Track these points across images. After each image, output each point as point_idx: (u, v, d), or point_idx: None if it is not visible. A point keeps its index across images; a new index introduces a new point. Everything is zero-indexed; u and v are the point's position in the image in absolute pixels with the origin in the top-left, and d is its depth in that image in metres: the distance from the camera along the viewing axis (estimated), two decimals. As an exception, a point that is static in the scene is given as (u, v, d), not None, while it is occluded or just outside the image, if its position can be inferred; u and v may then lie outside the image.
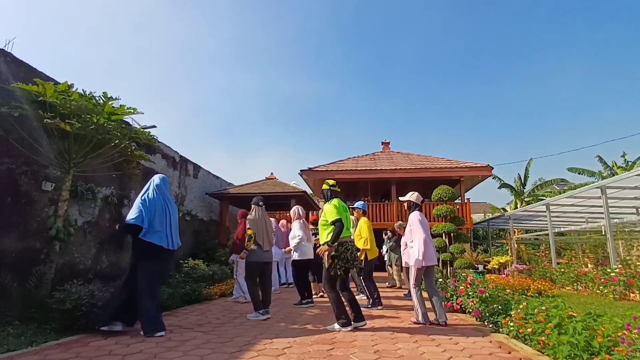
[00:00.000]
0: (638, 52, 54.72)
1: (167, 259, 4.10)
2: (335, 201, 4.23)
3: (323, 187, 4.51)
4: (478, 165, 14.56)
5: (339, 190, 4.49)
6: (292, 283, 6.55)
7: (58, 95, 4.88)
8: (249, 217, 5.02)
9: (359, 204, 6.42)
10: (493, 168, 14.59)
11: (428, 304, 4.59)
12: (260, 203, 5.15)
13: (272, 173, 15.22)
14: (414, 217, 4.62)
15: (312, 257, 6.11)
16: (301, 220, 6.22)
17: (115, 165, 7.03)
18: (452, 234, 10.79)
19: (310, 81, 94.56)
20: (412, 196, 4.80)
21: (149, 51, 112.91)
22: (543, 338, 3.08)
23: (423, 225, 4.53)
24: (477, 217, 22.76)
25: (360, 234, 5.94)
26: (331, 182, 4.49)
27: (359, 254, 5.46)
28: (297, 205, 6.46)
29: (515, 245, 13.89)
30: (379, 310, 5.46)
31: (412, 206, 4.75)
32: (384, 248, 9.63)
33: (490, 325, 4.23)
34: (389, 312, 5.37)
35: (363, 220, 6.10)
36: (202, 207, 12.12)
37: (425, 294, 4.65)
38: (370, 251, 5.91)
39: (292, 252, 6.16)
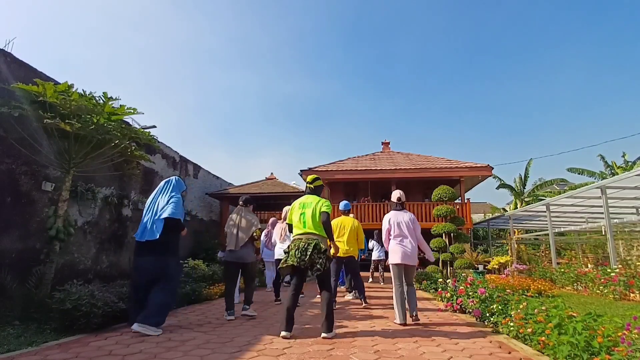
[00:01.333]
0: (639, 51, 54.74)
1: (141, 251, 4.03)
2: (294, 202, 4.21)
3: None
4: (478, 165, 14.56)
5: (309, 186, 4.24)
6: (287, 283, 6.65)
7: (58, 96, 4.89)
8: None
9: (340, 204, 6.42)
10: (493, 168, 14.60)
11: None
12: (240, 203, 5.11)
13: (272, 173, 15.24)
14: (384, 217, 4.81)
15: (281, 257, 6.14)
16: (280, 221, 6.47)
17: (115, 166, 7.03)
18: (452, 234, 10.79)
19: (310, 81, 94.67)
20: (392, 196, 4.97)
21: (149, 51, 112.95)
22: (543, 338, 3.08)
23: (389, 226, 4.65)
24: (477, 217, 22.77)
25: None
26: (309, 178, 4.31)
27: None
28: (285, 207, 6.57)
29: (515, 246, 13.89)
30: (379, 310, 5.45)
31: (392, 205, 4.92)
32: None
33: (490, 325, 4.23)
34: (389, 312, 5.37)
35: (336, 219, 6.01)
36: (202, 207, 12.13)
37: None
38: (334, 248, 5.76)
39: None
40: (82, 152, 5.38)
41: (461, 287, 5.30)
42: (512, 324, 3.70)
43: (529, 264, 12.00)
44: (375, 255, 10.23)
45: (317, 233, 3.89)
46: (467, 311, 5.06)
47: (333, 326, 3.72)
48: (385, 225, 4.72)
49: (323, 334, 3.60)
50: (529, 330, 3.35)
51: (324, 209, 3.92)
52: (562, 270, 9.28)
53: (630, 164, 18.54)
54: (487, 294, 4.78)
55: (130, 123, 7.33)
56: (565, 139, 68.43)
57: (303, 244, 3.81)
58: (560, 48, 68.13)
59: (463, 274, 8.38)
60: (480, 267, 10.65)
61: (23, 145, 5.16)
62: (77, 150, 5.33)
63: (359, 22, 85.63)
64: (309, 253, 3.74)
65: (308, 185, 4.24)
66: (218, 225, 13.34)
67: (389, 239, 4.68)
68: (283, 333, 3.58)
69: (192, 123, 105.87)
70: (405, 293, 4.52)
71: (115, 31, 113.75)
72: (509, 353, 3.15)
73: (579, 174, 20.62)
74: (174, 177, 4.46)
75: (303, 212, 3.99)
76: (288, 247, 3.98)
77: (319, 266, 3.76)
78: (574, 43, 67.29)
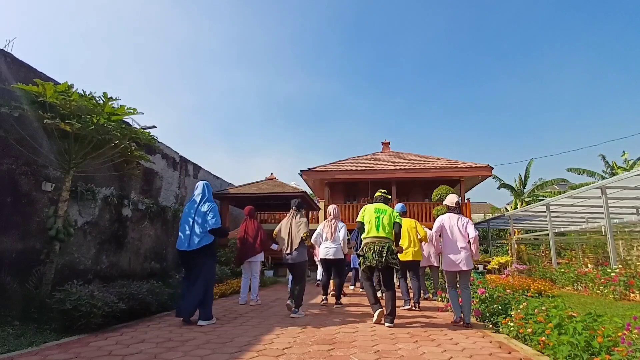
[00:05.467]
0: (639, 50, 54.72)
1: (184, 259, 4.53)
2: (367, 206, 4.75)
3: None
4: (478, 165, 14.55)
5: (384, 196, 4.89)
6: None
7: (58, 96, 4.88)
8: None
9: (396, 207, 6.31)
10: (493, 168, 14.59)
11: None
12: (293, 207, 5.34)
13: (272, 173, 15.21)
14: (435, 222, 4.78)
15: (330, 257, 5.99)
16: (327, 220, 6.20)
17: (115, 166, 7.02)
18: (452, 234, 10.77)
19: (310, 81, 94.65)
20: (446, 200, 4.91)
21: (148, 51, 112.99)
22: (543, 338, 3.08)
23: (443, 231, 4.61)
24: (477, 217, 22.76)
25: None
26: (382, 190, 4.99)
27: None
28: (332, 205, 6.38)
29: (515, 246, 13.88)
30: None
31: (449, 209, 4.81)
32: None
33: (490, 326, 4.23)
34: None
35: None
36: (202, 208, 12.11)
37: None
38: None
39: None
40: (82, 152, 5.37)
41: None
42: (512, 324, 3.70)
43: (529, 264, 12.00)
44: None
45: (389, 237, 4.48)
46: (467, 311, 5.05)
47: (394, 318, 4.35)
48: (436, 226, 4.69)
49: (387, 324, 4.28)
50: (529, 330, 3.35)
51: (398, 220, 4.59)
52: (562, 270, 9.27)
53: (630, 163, 18.53)
54: (487, 294, 4.78)
55: (130, 123, 7.32)
56: (566, 139, 68.53)
57: (377, 247, 4.38)
58: (560, 48, 68.18)
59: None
60: (480, 267, 10.66)
61: (23, 145, 5.15)
62: (77, 150, 5.32)
63: (360, 21, 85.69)
64: (384, 255, 4.32)
65: (383, 194, 4.93)
66: (218, 225, 13.33)
67: (438, 242, 4.73)
68: (376, 312, 4.42)
69: (192, 123, 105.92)
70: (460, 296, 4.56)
71: (115, 31, 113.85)
72: (509, 353, 3.15)
73: (579, 174, 20.62)
74: (201, 183, 4.85)
75: (378, 217, 4.54)
76: (362, 249, 4.52)
77: (394, 266, 4.41)
78: (575, 43, 67.33)
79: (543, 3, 67.55)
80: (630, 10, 57.98)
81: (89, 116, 5.24)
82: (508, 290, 5.81)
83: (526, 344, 3.38)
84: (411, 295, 5.92)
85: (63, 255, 5.75)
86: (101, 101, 5.27)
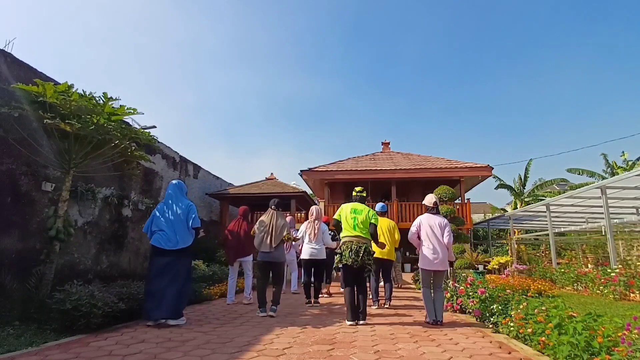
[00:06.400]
0: (639, 50, 54.75)
1: (163, 257, 4.40)
2: (344, 205, 4.71)
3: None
4: (478, 165, 14.56)
5: (360, 195, 4.86)
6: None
7: (58, 96, 4.88)
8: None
9: (377, 205, 6.36)
10: (493, 168, 14.61)
11: None
12: (273, 206, 5.33)
13: (272, 173, 15.22)
14: (416, 219, 4.76)
15: (315, 257, 6.08)
16: (310, 221, 6.27)
17: (115, 166, 7.02)
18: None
19: (310, 81, 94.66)
20: (424, 200, 4.89)
21: (148, 51, 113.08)
22: (543, 338, 3.08)
23: (423, 229, 4.58)
24: (477, 217, 22.75)
25: None
26: (358, 188, 4.94)
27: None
28: (314, 206, 6.55)
29: (515, 246, 13.89)
30: (378, 310, 5.45)
31: (427, 209, 4.79)
32: None
33: (490, 326, 4.22)
34: (389, 311, 5.37)
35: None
36: (202, 207, 12.12)
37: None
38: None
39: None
40: (82, 152, 5.37)
41: (461, 288, 5.29)
42: (512, 324, 3.70)
43: (529, 264, 12.00)
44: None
45: (366, 237, 4.46)
46: (467, 311, 5.05)
47: (366, 316, 4.47)
48: (414, 226, 4.68)
49: (360, 322, 4.34)
50: (529, 330, 3.35)
51: (373, 220, 4.52)
52: (562, 270, 9.27)
53: (630, 163, 18.52)
54: (487, 294, 4.78)
55: (130, 123, 7.33)
56: (565, 139, 68.55)
57: (355, 246, 4.37)
58: (560, 48, 68.21)
59: (463, 274, 8.37)
60: (480, 267, 10.66)
61: (23, 145, 5.16)
62: (77, 150, 5.32)
63: (360, 21, 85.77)
64: (360, 254, 4.31)
65: (359, 194, 4.88)
66: (218, 225, 13.33)
67: (419, 241, 4.66)
68: (349, 322, 4.32)
69: (192, 123, 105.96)
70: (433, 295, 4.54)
71: (115, 31, 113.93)
72: (509, 353, 3.15)
73: (578, 174, 20.60)
74: (176, 182, 4.85)
75: (355, 217, 4.52)
76: (340, 248, 4.51)
77: (369, 267, 4.39)
78: (575, 43, 67.36)
79: (543, 3, 67.59)
80: (629, 10, 58.03)
81: (89, 116, 5.24)
82: (508, 290, 5.79)
83: (526, 344, 3.38)
84: (382, 294, 5.96)
85: (63, 255, 5.75)
86: (101, 101, 5.27)
